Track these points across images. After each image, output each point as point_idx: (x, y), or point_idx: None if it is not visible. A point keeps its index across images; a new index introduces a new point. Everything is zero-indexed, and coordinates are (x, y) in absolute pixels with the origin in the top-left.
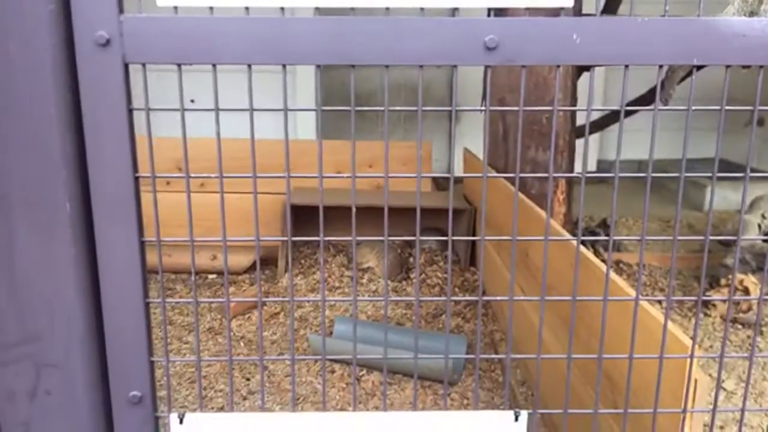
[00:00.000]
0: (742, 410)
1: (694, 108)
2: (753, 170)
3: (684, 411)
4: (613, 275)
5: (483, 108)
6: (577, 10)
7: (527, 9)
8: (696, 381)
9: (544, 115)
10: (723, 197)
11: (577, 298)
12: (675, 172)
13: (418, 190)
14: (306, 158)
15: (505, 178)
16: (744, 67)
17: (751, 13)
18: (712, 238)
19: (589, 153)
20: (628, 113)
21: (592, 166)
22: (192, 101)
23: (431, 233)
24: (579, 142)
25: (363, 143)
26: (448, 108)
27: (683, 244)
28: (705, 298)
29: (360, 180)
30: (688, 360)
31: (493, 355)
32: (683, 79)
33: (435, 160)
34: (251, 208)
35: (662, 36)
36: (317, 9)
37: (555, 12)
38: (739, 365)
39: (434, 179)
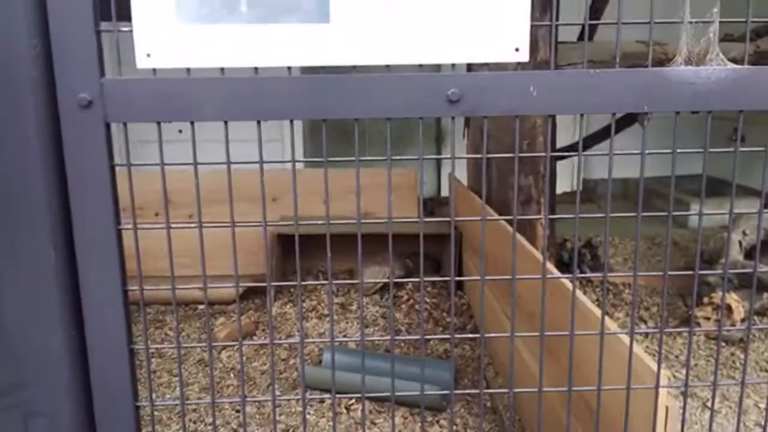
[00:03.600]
0: None
1: (647, 152)
2: (736, 186)
3: None
4: (590, 305)
5: (449, 156)
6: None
7: (485, 64)
8: (667, 408)
9: (525, 141)
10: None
11: (546, 333)
12: (660, 189)
13: (390, 232)
14: (297, 186)
15: (505, 220)
16: (693, 112)
17: (698, 62)
18: (701, 273)
19: (573, 172)
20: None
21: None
22: (180, 131)
23: (418, 258)
24: (561, 164)
25: (350, 172)
26: (416, 157)
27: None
28: (696, 329)
29: (348, 208)
30: (661, 387)
31: (467, 391)
32: None
33: (424, 183)
34: (241, 237)
35: (614, 86)
36: (289, 68)
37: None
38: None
39: (420, 203)
